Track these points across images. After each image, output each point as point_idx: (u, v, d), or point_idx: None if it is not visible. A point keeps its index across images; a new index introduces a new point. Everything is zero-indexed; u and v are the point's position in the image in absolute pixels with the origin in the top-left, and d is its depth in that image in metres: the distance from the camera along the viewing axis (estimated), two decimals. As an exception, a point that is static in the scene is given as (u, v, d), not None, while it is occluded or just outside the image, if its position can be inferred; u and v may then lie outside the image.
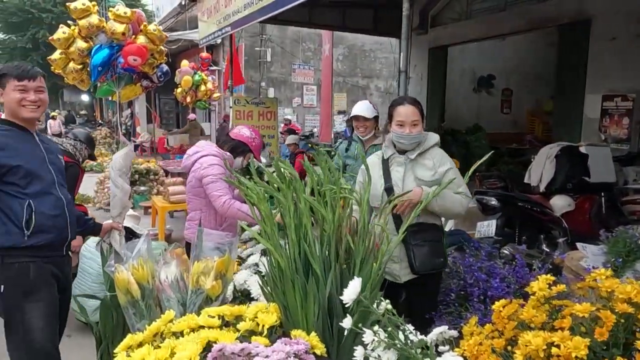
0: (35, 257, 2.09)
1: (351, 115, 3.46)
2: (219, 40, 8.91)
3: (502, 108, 9.88)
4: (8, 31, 22.46)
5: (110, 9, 5.67)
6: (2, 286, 2.06)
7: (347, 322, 1.23)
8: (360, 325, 1.30)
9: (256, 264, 2.34)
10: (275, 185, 1.68)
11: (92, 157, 4.16)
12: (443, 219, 2.43)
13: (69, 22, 5.68)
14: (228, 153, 2.87)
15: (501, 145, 7.90)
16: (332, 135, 12.08)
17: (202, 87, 9.63)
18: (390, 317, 1.23)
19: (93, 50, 5.61)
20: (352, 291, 1.23)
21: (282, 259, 1.58)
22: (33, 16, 20.75)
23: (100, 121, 24.72)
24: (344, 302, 1.26)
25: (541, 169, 4.32)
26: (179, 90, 9.69)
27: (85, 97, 28.24)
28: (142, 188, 8.08)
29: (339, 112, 15.64)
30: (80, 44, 5.57)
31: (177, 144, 13.61)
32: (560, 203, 4.07)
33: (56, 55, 5.70)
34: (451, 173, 2.23)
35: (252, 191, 1.66)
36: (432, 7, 7.71)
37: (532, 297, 1.44)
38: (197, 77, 9.47)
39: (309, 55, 16.05)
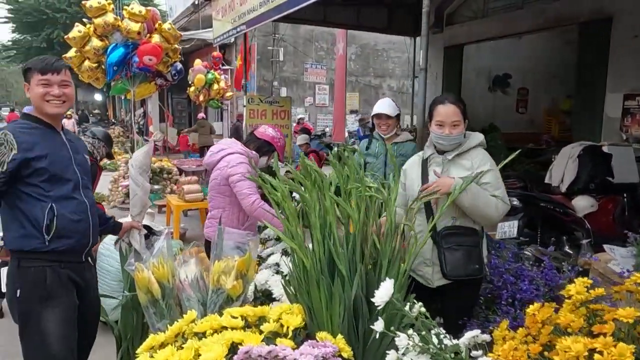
0: (54, 262, 2.03)
1: (373, 113, 3.41)
2: (232, 40, 8.90)
3: (517, 107, 9.74)
4: (23, 31, 22.67)
5: (125, 7, 5.68)
6: (18, 290, 2.00)
7: (378, 325, 1.18)
8: (391, 328, 1.26)
9: (277, 264, 2.30)
10: (300, 183, 1.64)
11: (110, 156, 4.16)
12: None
13: (84, 19, 5.71)
14: (254, 152, 2.84)
15: (517, 145, 7.76)
16: (346, 134, 12.02)
17: (215, 86, 9.62)
18: (423, 321, 1.18)
19: (109, 50, 5.63)
20: (384, 293, 1.18)
21: (307, 259, 1.54)
22: (48, 16, 20.91)
23: (113, 120, 24.91)
24: (375, 304, 1.21)
25: (563, 168, 4.22)
26: (191, 89, 9.70)
27: (98, 97, 28.52)
28: (156, 187, 8.10)
29: (351, 112, 15.58)
30: (96, 42, 5.60)
31: (190, 142, 13.76)
32: (582, 204, 3.96)
33: (71, 53, 5.73)
34: (489, 175, 2.09)
35: (277, 189, 1.62)
36: (447, 5, 7.62)
37: (567, 300, 1.38)
38: (210, 76, 9.47)
39: (322, 55, 16.02)
